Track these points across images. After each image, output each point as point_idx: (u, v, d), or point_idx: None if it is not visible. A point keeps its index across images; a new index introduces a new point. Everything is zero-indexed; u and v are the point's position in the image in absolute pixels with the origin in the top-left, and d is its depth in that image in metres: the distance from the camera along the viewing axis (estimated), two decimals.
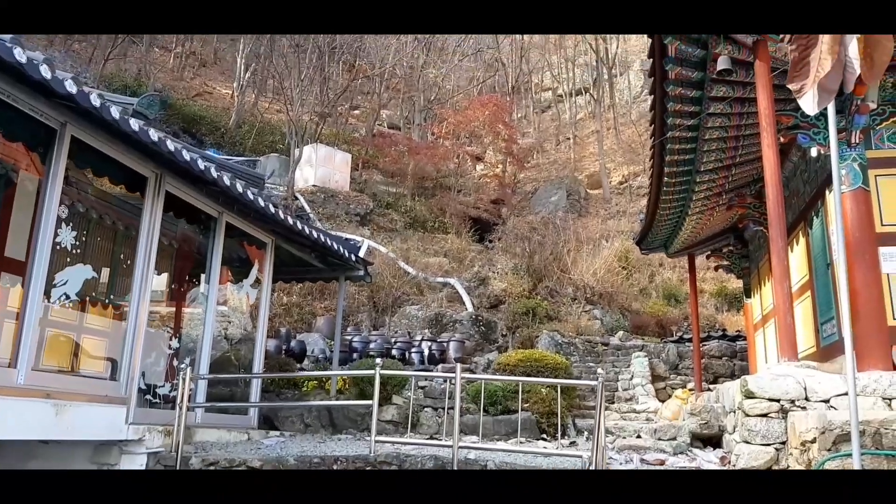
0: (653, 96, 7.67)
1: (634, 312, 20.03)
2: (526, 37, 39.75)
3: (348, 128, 35.57)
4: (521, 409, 8.51)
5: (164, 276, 9.56)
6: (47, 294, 5.78)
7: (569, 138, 38.07)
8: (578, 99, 41.60)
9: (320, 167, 27.57)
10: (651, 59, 7.10)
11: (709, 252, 13.88)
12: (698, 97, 7.33)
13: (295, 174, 26.18)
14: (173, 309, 9.15)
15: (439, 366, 12.99)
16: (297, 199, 25.78)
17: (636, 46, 44.46)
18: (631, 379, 13.57)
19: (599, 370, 6.85)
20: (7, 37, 5.04)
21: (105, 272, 7.70)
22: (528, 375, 10.51)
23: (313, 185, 26.95)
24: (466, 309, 18.33)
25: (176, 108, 28.44)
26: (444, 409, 9.74)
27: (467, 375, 7.81)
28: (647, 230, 12.40)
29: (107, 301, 7.62)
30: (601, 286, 19.88)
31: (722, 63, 6.14)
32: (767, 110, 6.05)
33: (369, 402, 6.44)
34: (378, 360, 5.99)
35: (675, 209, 10.59)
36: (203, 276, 8.54)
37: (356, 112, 38.51)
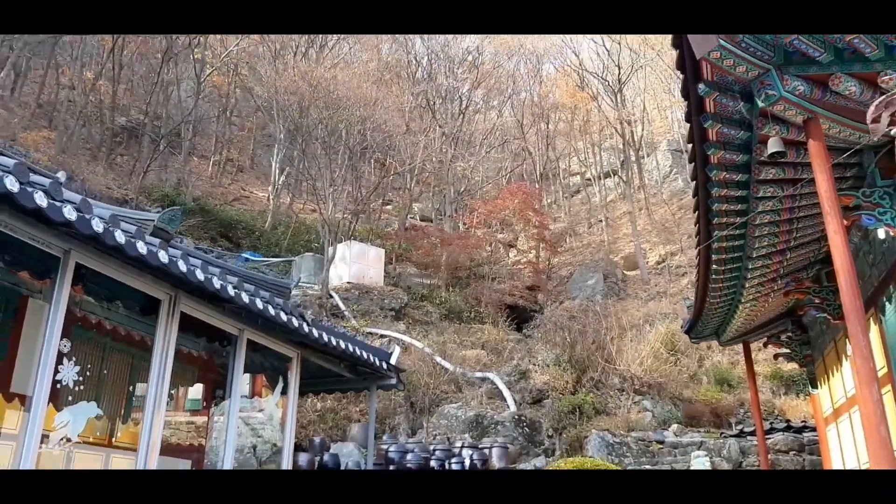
0: (695, 182, 7.16)
1: (686, 401, 18.83)
2: (551, 124, 40.25)
3: (381, 223, 35.78)
4: None
5: (186, 390, 9.12)
6: (45, 438, 5.32)
7: (601, 220, 37.67)
8: (607, 181, 41.50)
9: (354, 264, 27.46)
10: (691, 144, 6.64)
11: (765, 339, 12.94)
12: (745, 181, 6.80)
13: (329, 272, 26.06)
14: (197, 430, 8.62)
15: None
16: (331, 297, 25.54)
17: (661, 128, 44.68)
18: None
19: None
20: (10, 162, 4.81)
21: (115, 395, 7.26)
22: None
23: (347, 283, 26.74)
24: (508, 408, 17.42)
25: (213, 214, 28.95)
26: None
27: None
28: (697, 318, 11.61)
29: (116, 430, 7.14)
30: (648, 375, 18.84)
31: (773, 146, 5.64)
32: (829, 193, 5.48)
33: None
34: None
35: (725, 297, 9.86)
36: (225, 396, 8.03)
37: (388, 207, 38.86)
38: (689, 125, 6.45)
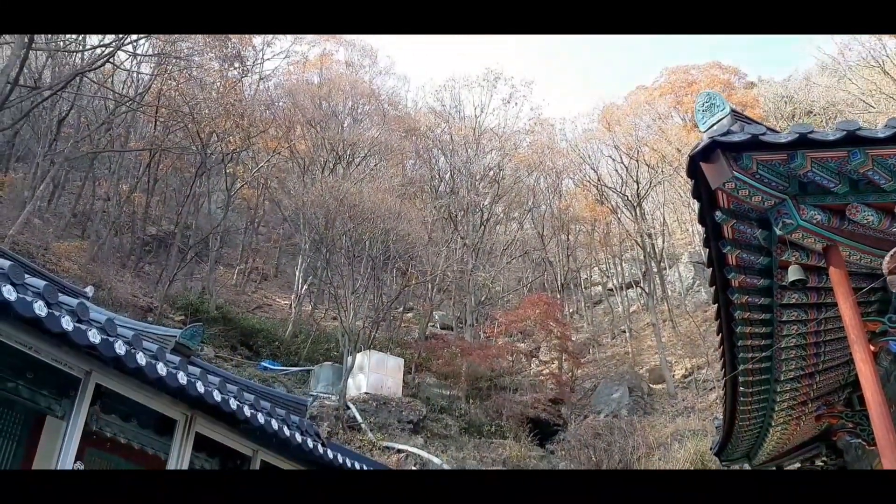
0: (717, 305, 7.11)
1: None
2: (571, 236, 40.77)
3: (401, 331, 35.69)
4: None
5: None
6: None
7: (624, 331, 37.23)
8: (629, 292, 41.37)
9: (372, 373, 27.13)
10: (710, 268, 6.64)
11: (798, 463, 12.36)
12: (768, 304, 6.74)
13: (347, 382, 25.75)
14: None
15: None
16: (348, 408, 25.09)
17: (682, 240, 44.96)
18: None
19: None
20: (41, 284, 4.94)
21: None
22: None
23: (365, 393, 26.33)
24: None
25: (235, 323, 29.14)
26: None
27: None
28: (727, 440, 11.18)
29: None
30: None
31: (793, 273, 5.62)
32: (853, 320, 5.39)
33: None
34: None
35: (755, 420, 9.53)
36: None
37: (409, 315, 38.89)
38: (707, 249, 6.49)
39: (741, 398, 8.64)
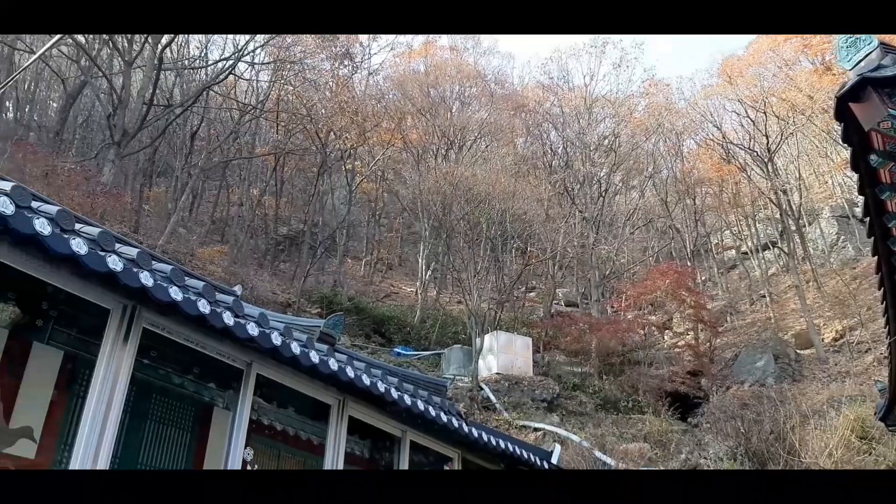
0: (876, 257, 6.54)
1: None
2: (697, 200, 38.88)
3: (526, 311, 35.63)
4: None
5: None
6: None
7: (763, 296, 35.12)
8: (766, 254, 38.95)
9: (502, 354, 27.31)
10: (868, 218, 6.11)
11: None
12: None
13: (478, 364, 26.09)
14: None
15: None
16: (481, 389, 25.43)
17: (821, 193, 41.69)
18: None
19: None
20: (200, 284, 5.34)
21: None
22: None
23: (496, 374, 26.56)
24: None
25: (367, 312, 30.29)
26: None
27: None
28: (893, 405, 10.31)
29: None
30: (839, 467, 16.76)
31: None
32: None
33: None
34: None
35: None
36: None
37: (532, 294, 38.74)
38: (862, 197, 5.97)
39: None
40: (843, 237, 36.54)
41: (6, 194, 3.91)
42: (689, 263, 35.21)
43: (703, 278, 38.61)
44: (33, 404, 5.68)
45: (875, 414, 12.32)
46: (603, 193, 37.70)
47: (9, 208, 3.87)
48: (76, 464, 4.55)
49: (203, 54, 35.93)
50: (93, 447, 4.63)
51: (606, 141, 40.39)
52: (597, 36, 42.55)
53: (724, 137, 37.68)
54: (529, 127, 43.17)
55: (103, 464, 4.64)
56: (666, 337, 33.70)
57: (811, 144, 37.67)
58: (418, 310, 32.76)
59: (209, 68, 33.13)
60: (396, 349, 28.10)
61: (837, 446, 17.16)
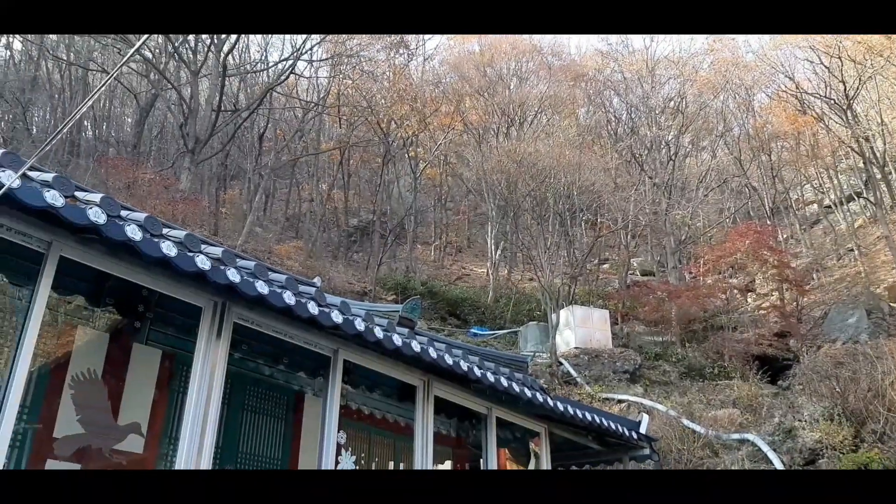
0: None
1: None
2: (773, 155, 37.24)
3: (601, 283, 35.16)
4: None
5: (438, 467, 9.46)
6: None
7: (851, 250, 33.41)
8: (851, 205, 36.98)
9: (579, 328, 27.09)
10: None
11: None
12: None
13: (555, 340, 25.98)
14: None
15: None
16: (560, 364, 25.33)
17: None
18: None
19: None
20: (283, 277, 5.53)
21: None
22: None
23: (575, 348, 26.40)
24: None
25: (440, 296, 30.60)
26: None
27: None
28: None
29: None
30: None
31: None
32: None
33: None
34: None
35: None
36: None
37: (605, 266, 38.17)
38: None
39: None
40: None
41: (97, 205, 4.14)
42: (768, 222, 33.85)
43: (784, 236, 37.04)
44: (137, 402, 6.05)
45: None
46: (672, 157, 36.55)
47: (101, 217, 4.10)
48: (182, 456, 4.83)
49: (263, 57, 36.87)
50: (196, 439, 4.90)
51: (672, 103, 39.08)
52: None
53: (797, 87, 35.82)
54: (591, 96, 42.23)
55: (207, 455, 4.90)
56: (749, 299, 32.60)
57: (892, 87, 35.35)
58: (491, 290, 32.83)
59: (270, 70, 33.95)
60: (472, 330, 28.30)
61: None
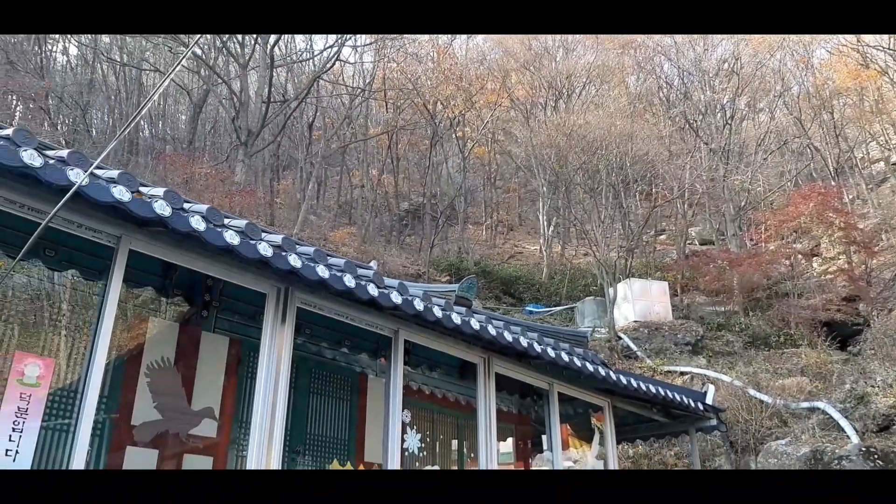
0: None
1: None
2: (836, 113, 35.63)
3: (658, 255, 34.51)
4: None
5: (501, 444, 9.53)
6: None
7: None
8: None
9: (637, 301, 26.70)
10: None
11: None
12: None
13: (613, 314, 25.69)
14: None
15: None
16: (620, 338, 25.06)
17: None
18: None
19: None
20: (342, 262, 5.62)
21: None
22: None
23: (634, 322, 26.05)
24: (850, 439, 15.18)
25: (494, 275, 30.58)
26: None
27: None
28: None
29: None
30: None
31: None
32: None
33: None
34: None
35: None
36: (542, 450, 8.24)
37: (662, 237, 37.40)
38: None
39: None
40: None
41: (162, 198, 4.29)
42: (833, 183, 32.50)
43: (850, 197, 35.53)
44: (209, 388, 6.26)
45: None
46: (728, 121, 35.37)
47: (167, 210, 4.24)
48: (254, 440, 4.98)
49: (308, 46, 37.21)
50: (266, 423, 5.04)
51: (726, 65, 37.72)
52: None
53: (858, 41, 34.08)
54: (640, 63, 41.10)
55: (278, 438, 5.04)
56: (815, 264, 31.48)
57: None
58: (545, 266, 32.63)
59: (316, 59, 34.26)
60: (528, 307, 28.21)
61: None
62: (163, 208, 4.25)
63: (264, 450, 4.94)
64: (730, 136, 34.56)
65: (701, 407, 9.17)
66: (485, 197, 42.50)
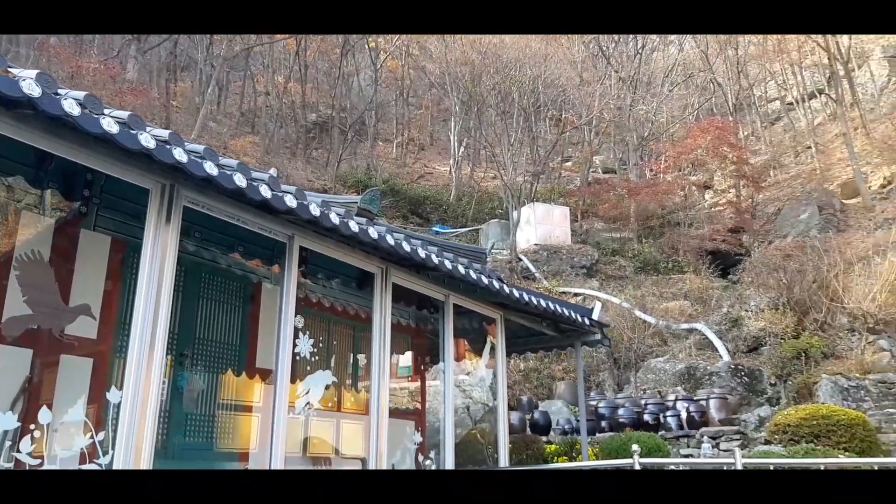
0: None
1: None
2: (740, 50, 36.82)
3: (563, 181, 35.31)
4: None
5: (400, 358, 9.72)
6: (291, 404, 5.95)
7: (809, 147, 33.96)
8: (812, 103, 37.22)
9: (539, 225, 27.43)
10: None
11: None
12: None
13: (516, 236, 26.30)
14: (410, 395, 9.18)
15: (702, 430, 11.59)
16: (520, 260, 25.79)
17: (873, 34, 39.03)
18: None
19: None
20: (235, 163, 5.36)
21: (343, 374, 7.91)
22: (816, 437, 8.85)
23: (535, 244, 26.83)
24: (721, 358, 16.50)
25: (402, 193, 30.42)
26: None
27: (751, 461, 6.59)
28: None
29: (343, 398, 7.80)
30: (884, 311, 16.78)
31: None
32: None
33: None
34: (635, 448, 5.21)
35: None
36: (438, 360, 8.45)
37: (568, 164, 38.21)
38: None
39: None
40: (893, 79, 34.63)
41: (31, 79, 3.89)
42: (730, 118, 33.96)
43: (745, 133, 37.37)
44: (88, 289, 5.94)
45: None
46: (640, 51, 35.89)
47: (35, 90, 3.85)
48: (135, 342, 4.78)
49: None
50: (149, 325, 4.85)
51: None
52: None
53: None
54: None
55: (161, 340, 4.87)
56: (707, 196, 33.22)
57: None
58: (453, 188, 32.74)
59: None
60: (434, 227, 28.42)
61: (881, 290, 17.09)
62: (31, 88, 3.85)
63: (146, 351, 4.77)
64: (639, 66, 35.19)
65: (587, 322, 9.63)
66: (397, 113, 41.68)
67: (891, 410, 12.09)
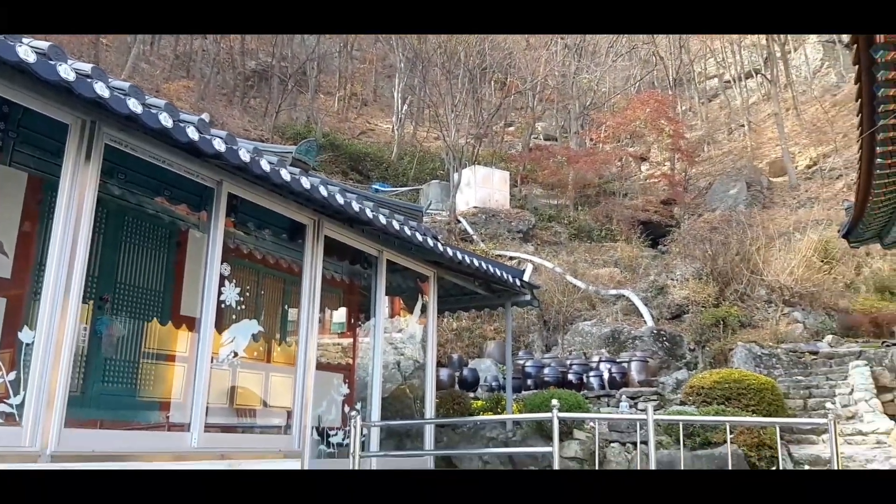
0: (857, 66, 6.42)
1: (842, 312, 17.60)
2: None
3: (504, 145, 35.43)
4: (727, 441, 7.37)
5: (334, 314, 9.69)
6: (215, 354, 5.87)
7: (742, 125, 35.10)
8: (749, 82, 38.33)
9: (480, 188, 27.55)
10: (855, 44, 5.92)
11: None
12: None
13: (456, 198, 26.36)
14: (343, 351, 9.18)
15: (622, 390, 12.06)
16: (459, 222, 25.91)
17: None
18: (851, 393, 11.70)
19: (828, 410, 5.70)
20: (161, 102, 5.16)
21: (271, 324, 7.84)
22: (727, 399, 9.34)
23: (474, 207, 26.97)
24: (646, 323, 17.11)
25: (343, 149, 29.91)
26: (632, 443, 8.87)
27: (661, 417, 6.94)
28: (858, 219, 10.66)
29: (273, 350, 7.75)
30: (799, 285, 17.72)
31: None
32: None
33: (548, 448, 5.87)
34: (555, 403, 5.39)
35: (892, 192, 8.93)
36: (369, 317, 8.47)
37: (511, 129, 38.32)
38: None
39: (877, 170, 8.06)
40: (826, 63, 35.97)
41: None
42: (670, 92, 34.66)
43: (683, 108, 38.25)
44: (2, 226, 5.66)
45: (839, 231, 12.81)
46: None
47: None
48: (49, 283, 4.60)
49: None
50: (65, 267, 4.67)
51: None
52: None
53: None
54: None
55: (77, 283, 4.70)
56: (643, 168, 33.99)
57: None
58: (395, 146, 32.43)
59: None
60: (374, 185, 28.17)
61: (798, 265, 18.02)
62: None
63: (61, 293, 4.60)
64: (585, 35, 35.30)
65: (518, 282, 9.80)
66: (340, 66, 40.69)
67: (799, 378, 12.83)
